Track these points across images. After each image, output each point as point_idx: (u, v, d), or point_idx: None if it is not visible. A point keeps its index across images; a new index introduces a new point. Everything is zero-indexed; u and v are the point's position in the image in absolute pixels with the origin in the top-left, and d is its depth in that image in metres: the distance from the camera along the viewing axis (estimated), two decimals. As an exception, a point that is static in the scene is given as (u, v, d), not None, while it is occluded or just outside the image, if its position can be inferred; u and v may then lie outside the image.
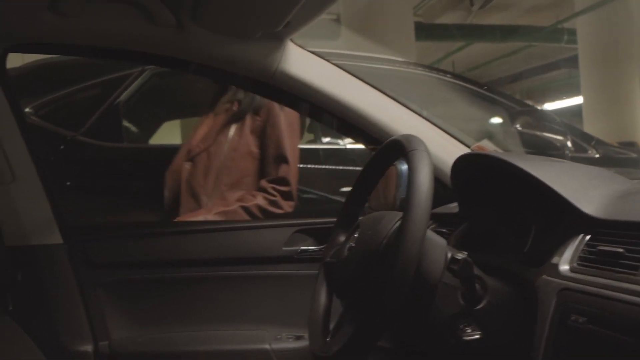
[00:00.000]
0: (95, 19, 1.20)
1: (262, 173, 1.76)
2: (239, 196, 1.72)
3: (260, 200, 1.69)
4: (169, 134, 3.37)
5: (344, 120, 1.39)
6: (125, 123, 2.64)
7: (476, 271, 0.96)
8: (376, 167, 1.14)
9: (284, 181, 1.72)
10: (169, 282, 1.52)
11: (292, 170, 1.74)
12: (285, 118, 1.73)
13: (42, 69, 2.63)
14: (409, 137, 0.98)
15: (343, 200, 1.18)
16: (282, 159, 1.72)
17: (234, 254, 1.54)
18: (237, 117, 1.77)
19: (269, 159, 1.75)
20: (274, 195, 1.70)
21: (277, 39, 1.28)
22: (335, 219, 1.17)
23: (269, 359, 1.47)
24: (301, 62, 1.32)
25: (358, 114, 1.36)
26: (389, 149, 1.08)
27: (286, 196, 1.73)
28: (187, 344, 1.46)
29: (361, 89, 1.37)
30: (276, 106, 1.70)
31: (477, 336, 0.92)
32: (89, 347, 1.40)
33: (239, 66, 1.31)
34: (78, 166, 2.30)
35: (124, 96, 2.53)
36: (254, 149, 1.75)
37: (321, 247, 1.47)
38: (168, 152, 2.60)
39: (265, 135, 1.75)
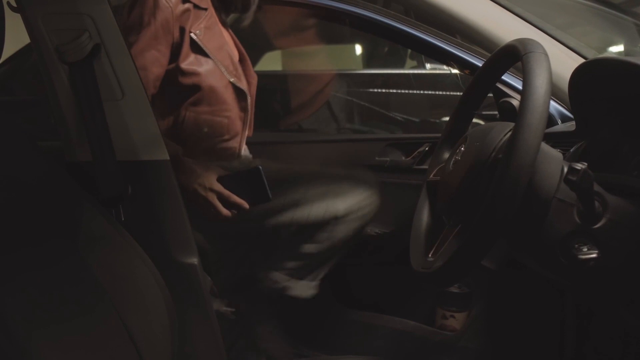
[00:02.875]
0: None
1: None
2: None
3: None
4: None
5: (450, 33, 1.31)
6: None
7: (596, 187, 0.89)
8: (485, 76, 1.06)
9: None
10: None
11: None
12: None
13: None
14: (525, 40, 0.90)
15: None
16: None
17: (342, 159, 1.74)
18: None
19: None
20: None
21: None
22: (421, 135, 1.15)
23: None
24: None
25: (465, 25, 1.26)
26: (500, 55, 0.99)
27: None
28: None
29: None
30: None
31: (594, 255, 0.85)
32: (194, 260, 1.45)
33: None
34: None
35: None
36: None
37: (406, 158, 1.63)
38: (270, 78, 2.63)
39: None
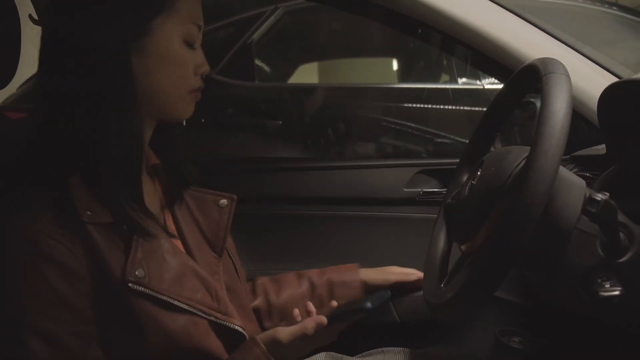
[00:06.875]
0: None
1: None
2: None
3: None
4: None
5: (477, 50, 1.25)
6: (258, 62, 2.66)
7: (622, 218, 0.82)
8: (507, 97, 1.01)
9: None
10: (287, 219, 1.50)
11: None
12: None
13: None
14: (546, 60, 0.85)
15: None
16: None
17: (354, 194, 1.49)
18: None
19: None
20: None
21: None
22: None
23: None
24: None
25: (492, 43, 1.21)
26: (522, 75, 0.94)
27: None
28: None
29: (496, 13, 1.21)
30: None
31: (616, 292, 0.78)
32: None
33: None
34: (213, 103, 2.34)
35: (256, 35, 2.54)
36: None
37: (445, 189, 1.34)
38: (298, 91, 2.61)
39: None
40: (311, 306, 1.05)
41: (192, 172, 1.05)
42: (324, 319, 0.92)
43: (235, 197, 1.06)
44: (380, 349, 1.22)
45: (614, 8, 2.70)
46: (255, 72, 2.55)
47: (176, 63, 0.87)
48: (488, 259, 0.77)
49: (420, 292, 1.37)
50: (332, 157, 2.10)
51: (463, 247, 0.94)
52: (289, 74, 3.04)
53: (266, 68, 2.78)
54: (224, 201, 1.05)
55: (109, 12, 0.83)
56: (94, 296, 0.82)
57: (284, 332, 0.91)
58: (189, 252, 0.98)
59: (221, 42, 2.55)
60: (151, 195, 0.94)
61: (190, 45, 0.89)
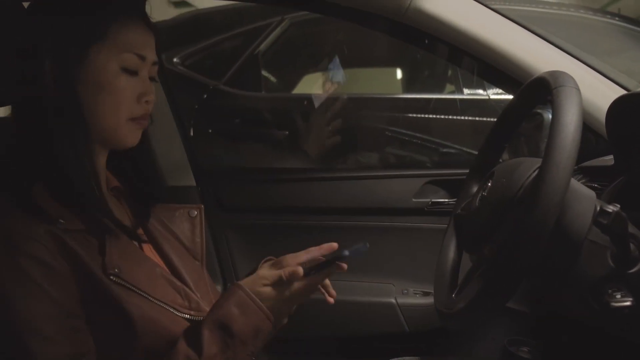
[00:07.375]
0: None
1: None
2: None
3: None
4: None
5: (485, 62, 1.26)
6: (265, 73, 2.67)
7: (632, 229, 0.83)
8: (517, 109, 1.02)
9: None
10: (295, 229, 1.51)
11: None
12: None
13: (189, 20, 2.73)
14: (556, 73, 0.86)
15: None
16: None
17: (363, 204, 1.50)
18: None
19: None
20: None
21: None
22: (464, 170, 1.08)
23: (395, 312, 1.43)
24: (436, -4, 1.20)
25: (500, 55, 1.22)
26: (532, 88, 0.96)
27: None
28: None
29: (504, 26, 1.23)
30: None
31: (627, 303, 0.79)
32: (218, 287, 1.44)
33: (368, 3, 1.22)
34: (220, 114, 2.36)
35: (262, 46, 2.55)
36: None
37: (454, 199, 1.38)
38: (303, 101, 2.62)
39: None
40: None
41: (157, 190, 1.10)
42: (299, 271, 0.93)
43: (202, 206, 1.11)
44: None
45: (616, 18, 2.72)
46: (262, 83, 2.56)
47: (111, 90, 0.90)
48: (500, 269, 0.78)
49: (430, 301, 1.39)
50: (340, 168, 2.10)
51: (473, 258, 0.96)
52: (294, 84, 3.06)
53: (272, 78, 2.79)
54: (193, 211, 1.11)
55: (51, 39, 0.87)
56: (78, 293, 0.85)
57: (268, 271, 0.96)
58: (170, 262, 1.02)
59: (228, 53, 2.57)
60: (118, 213, 0.97)
61: (131, 73, 0.91)
